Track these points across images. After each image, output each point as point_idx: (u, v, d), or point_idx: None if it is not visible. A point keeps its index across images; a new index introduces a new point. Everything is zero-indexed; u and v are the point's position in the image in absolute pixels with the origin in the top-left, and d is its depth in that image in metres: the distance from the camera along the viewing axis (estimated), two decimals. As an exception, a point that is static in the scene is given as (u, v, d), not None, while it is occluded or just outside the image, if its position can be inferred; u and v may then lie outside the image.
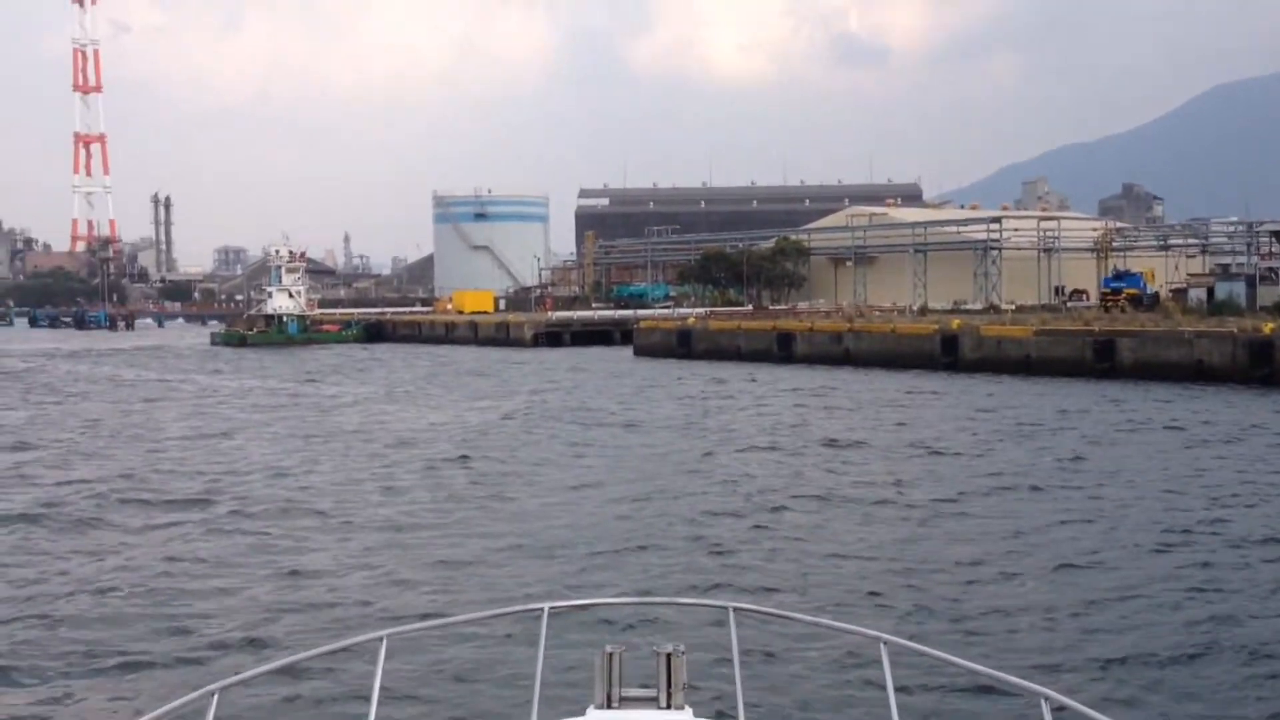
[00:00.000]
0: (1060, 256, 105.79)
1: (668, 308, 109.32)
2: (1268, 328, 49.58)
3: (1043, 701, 3.85)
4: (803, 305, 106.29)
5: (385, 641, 4.57)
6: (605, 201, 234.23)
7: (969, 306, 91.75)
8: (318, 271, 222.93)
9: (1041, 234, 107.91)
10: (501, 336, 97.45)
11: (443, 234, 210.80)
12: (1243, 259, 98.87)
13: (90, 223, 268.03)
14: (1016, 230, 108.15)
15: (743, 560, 17.85)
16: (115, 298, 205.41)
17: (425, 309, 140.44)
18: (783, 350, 68.79)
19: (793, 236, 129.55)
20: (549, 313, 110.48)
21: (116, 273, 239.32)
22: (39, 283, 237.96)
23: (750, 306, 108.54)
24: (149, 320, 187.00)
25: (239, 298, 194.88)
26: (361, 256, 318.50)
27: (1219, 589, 15.94)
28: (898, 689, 4.22)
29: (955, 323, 64.20)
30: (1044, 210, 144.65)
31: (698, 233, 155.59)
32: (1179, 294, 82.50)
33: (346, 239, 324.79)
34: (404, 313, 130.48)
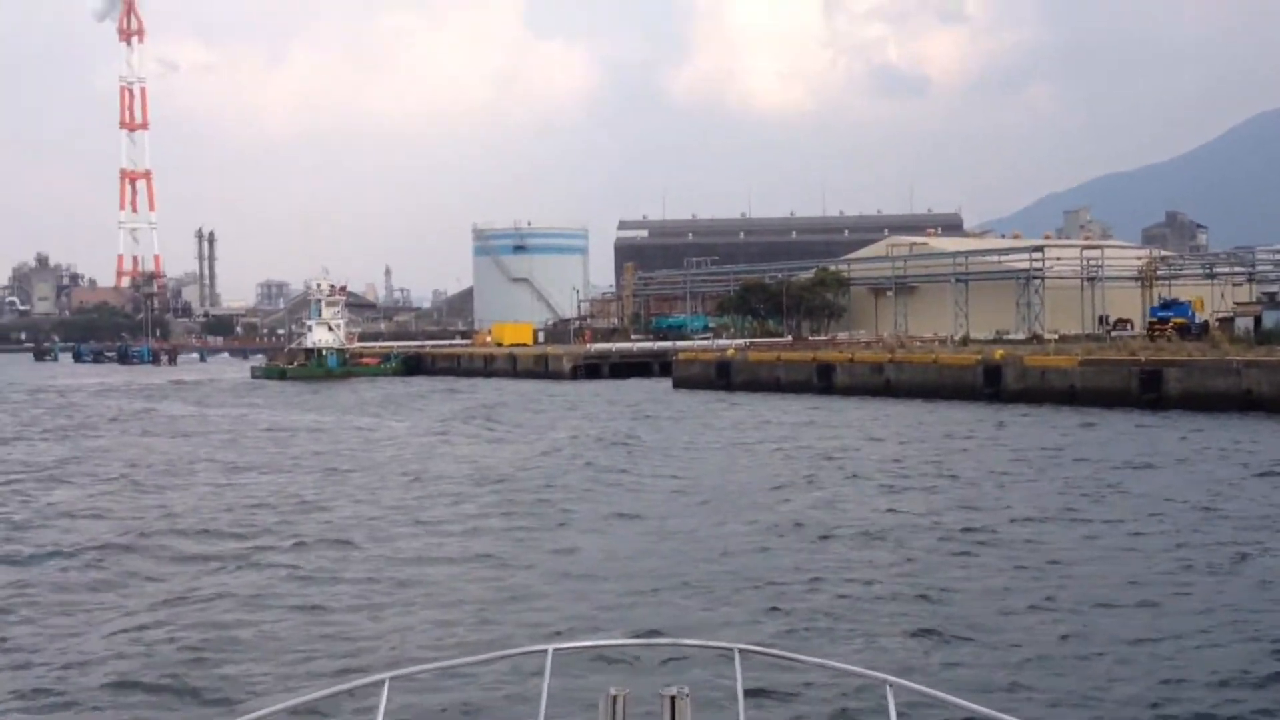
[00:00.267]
0: (1104, 285, 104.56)
1: (707, 339, 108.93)
2: (1319, 356, 48.56)
3: None
4: (843, 336, 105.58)
5: (387, 684, 4.57)
6: (644, 233, 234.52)
7: (1011, 336, 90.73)
8: (358, 305, 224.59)
9: (1085, 263, 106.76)
10: (540, 369, 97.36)
11: (482, 266, 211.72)
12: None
13: (135, 258, 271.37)
14: (1059, 259, 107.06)
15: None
16: (159, 332, 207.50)
17: (464, 341, 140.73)
18: (823, 381, 68.19)
19: (832, 267, 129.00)
20: (587, 345, 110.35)
21: (160, 307, 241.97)
22: (84, 318, 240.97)
23: (790, 338, 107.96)
24: (192, 355, 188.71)
25: (281, 331, 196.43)
26: (402, 290, 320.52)
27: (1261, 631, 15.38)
28: None
29: (998, 353, 63.38)
30: (1087, 239, 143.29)
31: (736, 264, 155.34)
32: (1226, 323, 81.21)
33: (387, 272, 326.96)
34: (443, 345, 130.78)
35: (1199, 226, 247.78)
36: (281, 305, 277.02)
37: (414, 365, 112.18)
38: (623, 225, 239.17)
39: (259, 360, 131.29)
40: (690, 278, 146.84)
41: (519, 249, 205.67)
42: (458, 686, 12.62)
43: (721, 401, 63.17)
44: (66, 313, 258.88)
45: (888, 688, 4.49)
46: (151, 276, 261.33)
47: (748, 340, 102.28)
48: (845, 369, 68.40)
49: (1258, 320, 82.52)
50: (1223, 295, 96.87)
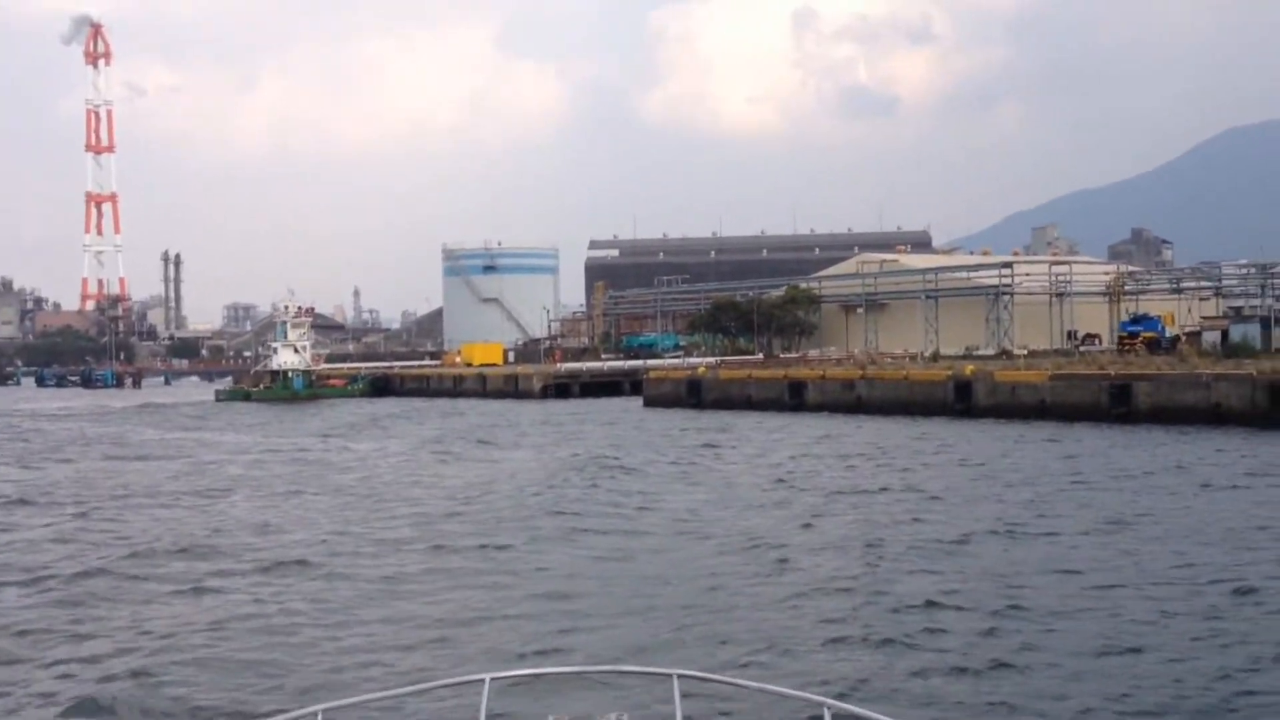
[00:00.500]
0: (1072, 301, 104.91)
1: (677, 357, 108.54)
2: (1288, 369, 48.55)
3: None
4: (813, 353, 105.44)
5: (320, 716, 4.60)
6: (615, 253, 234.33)
7: (981, 352, 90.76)
8: (327, 327, 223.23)
9: (1053, 279, 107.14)
10: (510, 389, 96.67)
11: (452, 287, 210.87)
12: (1255, 301, 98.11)
13: (101, 281, 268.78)
14: (1028, 275, 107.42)
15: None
16: (123, 356, 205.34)
17: (434, 362, 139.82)
18: (794, 398, 67.87)
19: (803, 284, 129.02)
20: (558, 364, 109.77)
21: (125, 331, 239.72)
22: (47, 342, 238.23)
23: (761, 355, 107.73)
24: (157, 378, 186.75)
25: (247, 354, 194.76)
26: (371, 311, 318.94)
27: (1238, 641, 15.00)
28: None
29: (969, 369, 63.23)
30: (1055, 255, 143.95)
31: (707, 282, 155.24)
32: (1193, 337, 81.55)
33: (356, 294, 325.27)
34: (412, 366, 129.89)
35: (1164, 243, 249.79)
36: (249, 327, 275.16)
37: (382, 386, 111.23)
38: (593, 245, 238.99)
39: (226, 383, 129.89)
40: (661, 296, 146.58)
41: (489, 269, 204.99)
42: (393, 718, 12.21)
43: (693, 419, 62.65)
44: (30, 337, 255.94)
45: (825, 710, 4.55)
46: (116, 300, 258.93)
47: (718, 358, 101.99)
48: (817, 386, 68.10)
49: (1225, 334, 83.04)
50: (1189, 310, 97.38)
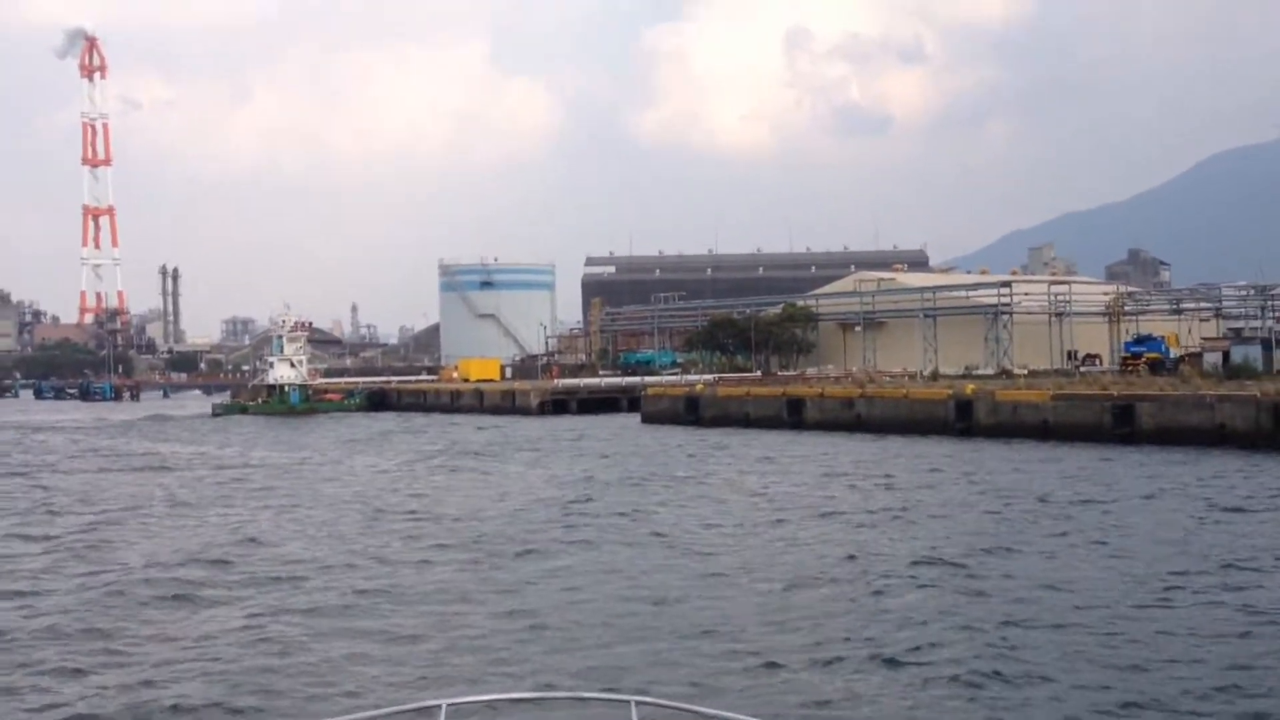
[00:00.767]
0: (1072, 321, 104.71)
1: (675, 374, 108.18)
2: (1292, 390, 48.31)
3: None
4: (811, 371, 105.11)
5: None
6: (612, 269, 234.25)
7: (980, 371, 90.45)
8: (324, 341, 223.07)
9: (1053, 298, 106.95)
10: (507, 404, 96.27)
11: (449, 302, 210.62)
12: (1255, 323, 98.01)
13: (99, 294, 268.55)
14: (1027, 294, 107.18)
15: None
16: (121, 369, 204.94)
17: (431, 377, 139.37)
18: (793, 416, 67.48)
19: (800, 302, 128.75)
20: (555, 380, 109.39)
21: (124, 344, 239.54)
22: (46, 354, 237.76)
23: (759, 373, 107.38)
24: (156, 391, 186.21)
25: (245, 368, 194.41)
26: (369, 326, 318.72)
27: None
28: None
29: (969, 388, 62.87)
30: (1053, 275, 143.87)
31: (704, 299, 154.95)
32: (1194, 357, 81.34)
33: (354, 309, 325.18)
34: (409, 381, 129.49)
35: (1162, 264, 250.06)
36: (247, 341, 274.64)
37: (378, 401, 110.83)
38: (590, 261, 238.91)
39: (224, 397, 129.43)
40: (658, 313, 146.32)
41: (486, 285, 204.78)
42: None
43: (692, 436, 62.28)
44: (29, 350, 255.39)
45: None
46: (115, 313, 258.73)
47: (716, 375, 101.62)
48: (815, 404, 67.73)
49: (1226, 356, 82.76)
50: (1190, 331, 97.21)
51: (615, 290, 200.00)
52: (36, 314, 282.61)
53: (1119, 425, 51.47)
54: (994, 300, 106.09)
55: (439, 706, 4.91)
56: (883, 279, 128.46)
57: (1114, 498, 32.30)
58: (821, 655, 15.91)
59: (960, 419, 58.29)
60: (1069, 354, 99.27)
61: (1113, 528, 26.87)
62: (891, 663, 15.37)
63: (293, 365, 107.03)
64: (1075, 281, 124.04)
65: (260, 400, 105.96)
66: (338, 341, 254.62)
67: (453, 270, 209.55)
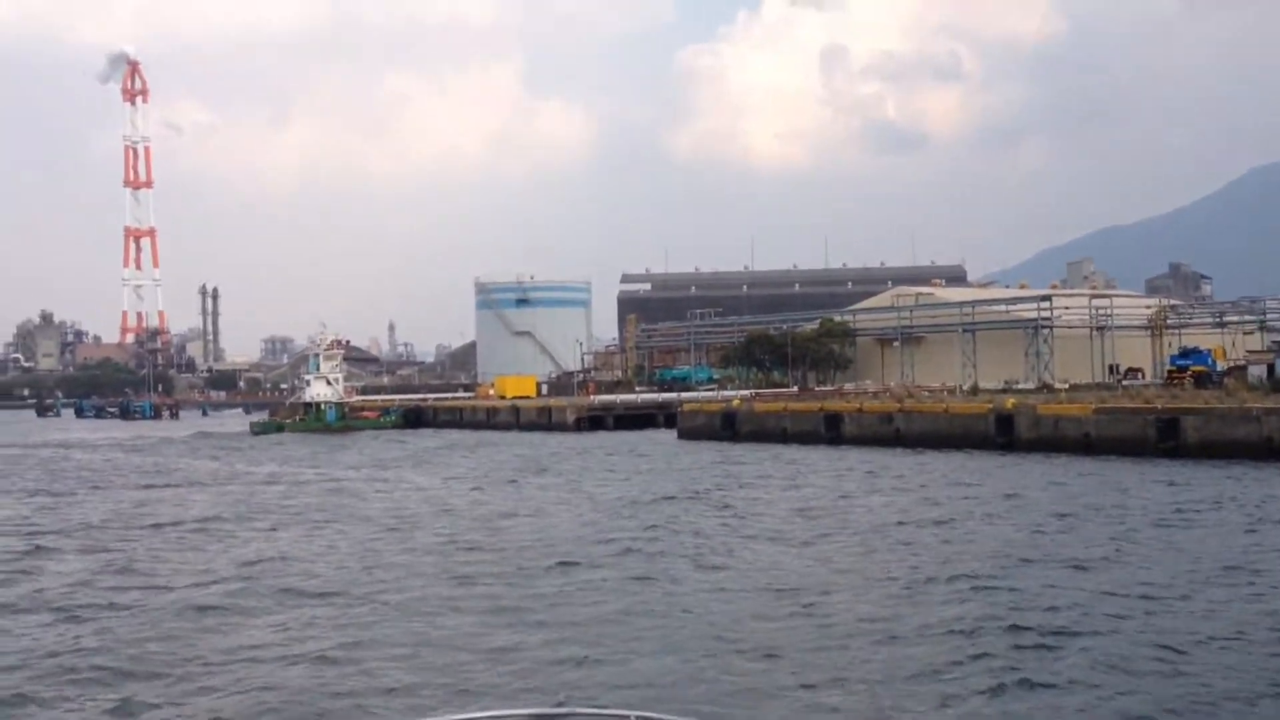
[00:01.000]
0: (1113, 335, 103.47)
1: (711, 390, 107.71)
2: (1342, 402, 47.32)
3: None
4: (849, 386, 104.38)
5: None
6: (647, 286, 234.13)
7: (1021, 386, 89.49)
8: (362, 359, 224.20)
9: (1094, 312, 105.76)
10: (544, 421, 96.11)
11: (485, 320, 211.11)
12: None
13: (140, 315, 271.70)
14: (1067, 309, 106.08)
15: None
16: (161, 388, 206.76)
17: (467, 394, 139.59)
18: (831, 431, 66.87)
19: (838, 317, 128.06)
20: (591, 397, 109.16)
21: (164, 363, 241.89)
22: (87, 374, 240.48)
23: (796, 388, 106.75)
24: (195, 410, 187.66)
25: (284, 386, 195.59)
26: (406, 344, 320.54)
27: None
28: None
29: (1010, 402, 62.10)
30: (1093, 289, 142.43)
31: (740, 316, 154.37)
32: (1239, 370, 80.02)
33: (391, 327, 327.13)
34: (445, 398, 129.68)
35: (1203, 277, 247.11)
36: (285, 360, 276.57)
37: (414, 418, 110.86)
38: (625, 279, 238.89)
39: (263, 415, 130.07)
40: (694, 329, 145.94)
41: (522, 302, 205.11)
42: None
43: (731, 451, 61.77)
44: (70, 369, 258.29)
45: None
46: (155, 333, 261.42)
47: (753, 391, 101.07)
48: (853, 419, 67.10)
49: (1271, 368, 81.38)
50: (1233, 343, 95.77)
51: (650, 307, 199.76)
52: (79, 334, 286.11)
53: (1163, 439, 50.53)
54: (1034, 314, 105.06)
55: None
56: (921, 294, 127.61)
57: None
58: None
59: (1001, 433, 57.49)
60: (1110, 368, 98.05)
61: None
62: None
63: (329, 383, 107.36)
64: (1116, 295, 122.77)
65: (297, 418, 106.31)
66: (375, 359, 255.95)
67: (489, 288, 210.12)
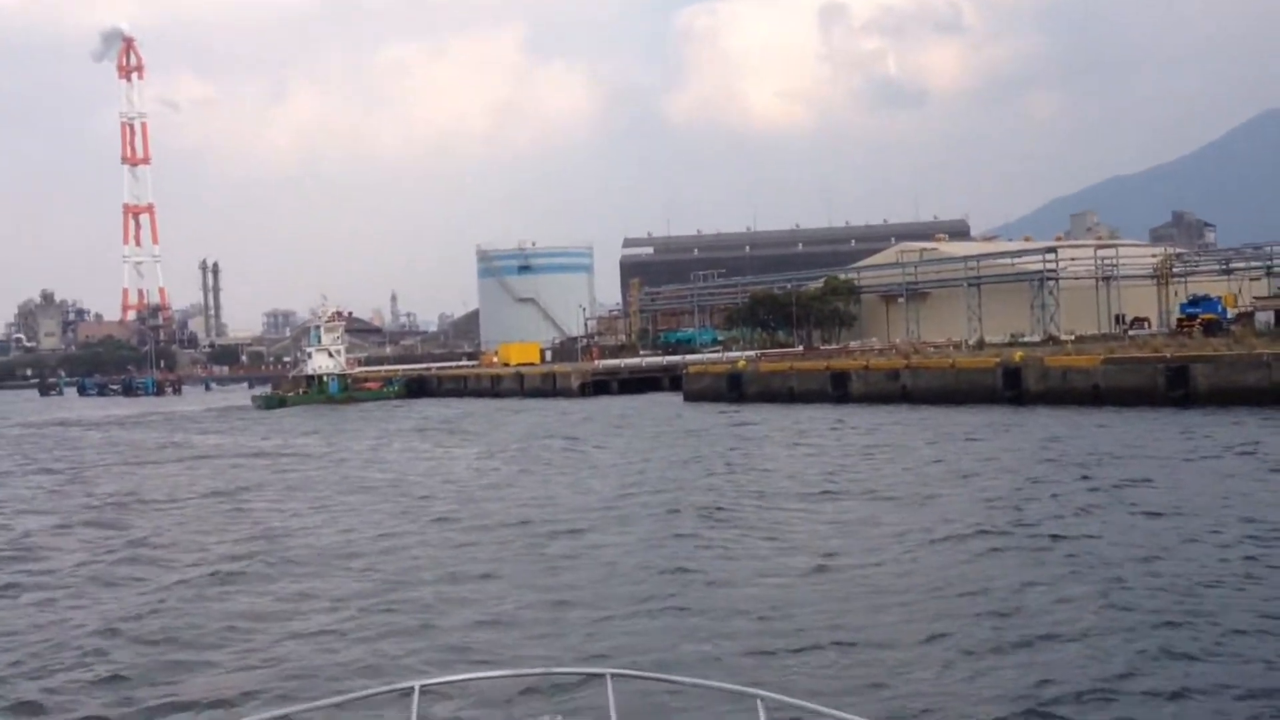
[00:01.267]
0: (1119, 285, 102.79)
1: (716, 352, 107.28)
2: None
3: None
4: (854, 344, 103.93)
5: None
6: (649, 250, 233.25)
7: (1027, 339, 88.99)
8: (364, 330, 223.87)
9: (1099, 262, 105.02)
10: (548, 387, 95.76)
11: (487, 288, 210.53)
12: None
13: (141, 291, 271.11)
14: (1073, 260, 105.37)
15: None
16: (164, 364, 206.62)
17: (471, 363, 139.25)
18: (838, 390, 66.47)
19: (842, 275, 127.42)
20: (596, 361, 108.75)
21: (166, 339, 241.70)
22: (89, 352, 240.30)
23: (801, 348, 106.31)
24: (198, 385, 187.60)
25: (286, 359, 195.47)
26: (408, 314, 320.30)
27: None
28: None
29: (1018, 355, 61.64)
30: (1097, 240, 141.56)
31: (744, 276, 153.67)
32: (1246, 317, 79.50)
33: (394, 298, 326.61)
34: (449, 367, 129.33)
35: (1207, 225, 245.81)
36: (288, 333, 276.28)
37: (418, 388, 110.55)
38: (628, 243, 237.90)
39: (266, 389, 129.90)
40: (697, 291, 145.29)
41: (524, 269, 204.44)
42: None
43: (740, 412, 61.34)
44: (73, 348, 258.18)
45: (758, 702, 4.61)
46: (157, 309, 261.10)
47: (758, 351, 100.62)
48: (860, 376, 66.68)
49: (1278, 314, 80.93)
50: (1240, 290, 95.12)
51: (653, 271, 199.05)
52: (80, 312, 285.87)
53: (1173, 388, 50.11)
54: (1039, 267, 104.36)
55: (412, 688, 4.90)
56: (925, 249, 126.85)
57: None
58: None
59: (1009, 387, 57.08)
60: (1117, 318, 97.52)
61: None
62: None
63: (330, 355, 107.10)
64: (1122, 245, 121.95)
65: (300, 391, 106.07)
66: (378, 330, 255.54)
67: (491, 256, 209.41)
